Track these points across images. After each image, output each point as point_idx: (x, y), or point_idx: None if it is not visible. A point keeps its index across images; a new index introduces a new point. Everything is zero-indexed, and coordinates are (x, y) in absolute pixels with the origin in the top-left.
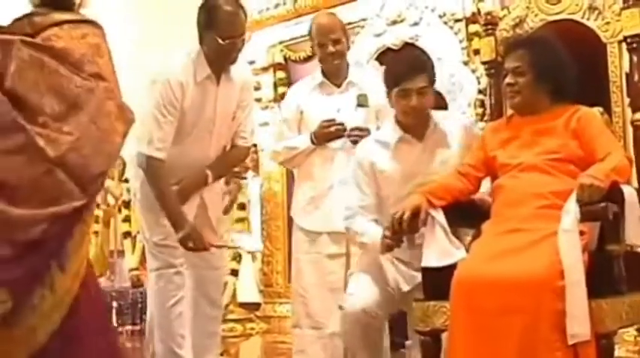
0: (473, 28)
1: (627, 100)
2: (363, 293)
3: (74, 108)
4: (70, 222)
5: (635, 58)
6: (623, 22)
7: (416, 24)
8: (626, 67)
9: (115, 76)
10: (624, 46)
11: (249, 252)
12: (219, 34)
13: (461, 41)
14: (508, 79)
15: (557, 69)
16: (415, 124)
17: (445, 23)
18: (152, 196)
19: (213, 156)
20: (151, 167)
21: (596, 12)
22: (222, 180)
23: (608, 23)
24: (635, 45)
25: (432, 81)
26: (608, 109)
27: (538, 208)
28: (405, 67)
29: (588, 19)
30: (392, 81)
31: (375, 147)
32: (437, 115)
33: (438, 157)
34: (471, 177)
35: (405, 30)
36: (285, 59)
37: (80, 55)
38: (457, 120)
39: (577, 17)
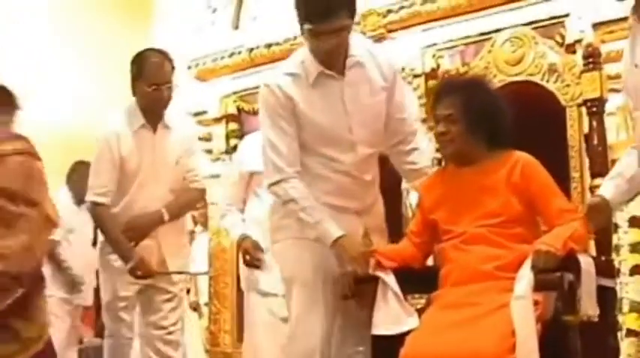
0: (433, 84)
1: (587, 165)
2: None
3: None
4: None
5: (594, 123)
6: (582, 86)
7: None
8: (585, 131)
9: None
10: (584, 109)
11: (194, 309)
12: (146, 82)
13: (419, 98)
14: (440, 128)
15: (491, 114)
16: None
17: (403, 79)
18: (106, 253)
19: (160, 203)
20: (93, 210)
21: (556, 74)
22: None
23: (567, 86)
24: (594, 109)
25: (352, 16)
26: (566, 174)
27: (486, 283)
28: (322, 3)
29: (548, 81)
30: (303, 14)
31: (288, 81)
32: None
33: (363, 95)
34: (419, 244)
35: None
36: (239, 110)
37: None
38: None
39: (537, 79)
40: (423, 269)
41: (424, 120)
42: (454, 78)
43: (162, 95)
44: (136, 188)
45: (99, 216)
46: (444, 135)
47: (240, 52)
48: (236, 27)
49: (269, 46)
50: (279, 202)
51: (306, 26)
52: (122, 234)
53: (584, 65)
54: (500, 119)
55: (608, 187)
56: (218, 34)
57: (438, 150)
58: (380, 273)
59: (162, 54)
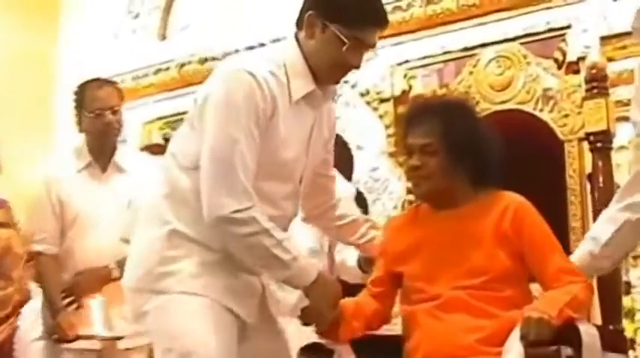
0: (403, 110)
1: (590, 213)
2: None
3: None
4: None
5: (599, 160)
6: (585, 116)
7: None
8: (588, 171)
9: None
10: (586, 144)
11: None
12: (88, 109)
13: (387, 127)
14: (413, 161)
15: (477, 145)
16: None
17: (368, 103)
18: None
19: (108, 254)
20: (33, 259)
21: (552, 102)
22: None
23: (566, 116)
24: (599, 143)
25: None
26: (564, 224)
27: None
28: (383, 8)
29: (542, 110)
30: (354, 15)
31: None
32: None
33: (322, 135)
34: (380, 295)
35: None
36: (166, 140)
37: None
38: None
39: (528, 108)
40: (387, 337)
41: (392, 154)
42: (431, 99)
43: (106, 121)
44: (74, 235)
45: (37, 266)
46: (419, 170)
47: (167, 68)
48: (163, 37)
49: (203, 60)
50: (210, 236)
51: (352, 32)
52: (62, 291)
53: (587, 90)
54: (488, 151)
55: (579, 252)
56: (140, 45)
57: (410, 191)
58: (335, 347)
59: (105, 80)
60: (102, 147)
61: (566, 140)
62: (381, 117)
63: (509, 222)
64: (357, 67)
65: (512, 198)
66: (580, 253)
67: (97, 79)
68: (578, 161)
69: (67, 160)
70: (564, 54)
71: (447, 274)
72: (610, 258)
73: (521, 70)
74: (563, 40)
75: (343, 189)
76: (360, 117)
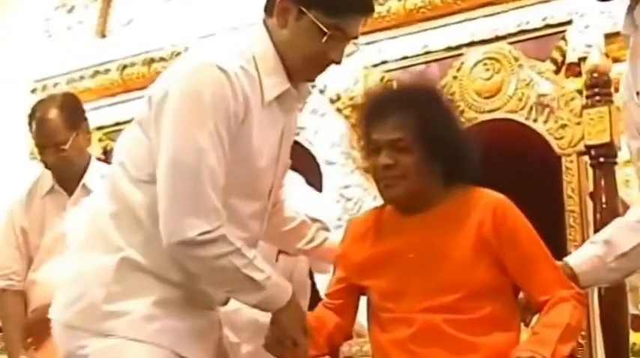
0: (365, 96)
1: (592, 236)
2: None
3: None
4: None
5: (602, 177)
6: (585, 126)
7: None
8: (589, 189)
9: None
10: (587, 159)
11: None
12: (33, 139)
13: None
14: (383, 159)
15: (454, 138)
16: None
17: (339, 111)
18: None
19: None
20: None
21: (547, 110)
22: None
23: (564, 127)
24: (602, 158)
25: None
26: (562, 248)
27: None
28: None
29: (535, 120)
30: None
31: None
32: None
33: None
34: (339, 308)
35: None
36: (106, 152)
37: None
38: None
39: (520, 117)
40: None
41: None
42: (397, 88)
43: (51, 159)
44: (36, 267)
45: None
46: (392, 169)
47: (107, 70)
48: (102, 34)
49: (149, 61)
50: (167, 261)
51: (332, 20)
52: (22, 330)
53: (588, 97)
54: (465, 145)
55: (583, 254)
56: (76, 44)
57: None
58: None
59: (51, 102)
60: (62, 177)
61: (563, 154)
62: (354, 126)
63: (490, 226)
64: (338, 62)
65: (491, 197)
66: (585, 256)
67: (44, 104)
68: (577, 178)
69: (33, 183)
70: (564, 54)
71: (417, 291)
72: (623, 272)
73: (512, 73)
74: (563, 39)
75: (323, 213)
76: (330, 127)
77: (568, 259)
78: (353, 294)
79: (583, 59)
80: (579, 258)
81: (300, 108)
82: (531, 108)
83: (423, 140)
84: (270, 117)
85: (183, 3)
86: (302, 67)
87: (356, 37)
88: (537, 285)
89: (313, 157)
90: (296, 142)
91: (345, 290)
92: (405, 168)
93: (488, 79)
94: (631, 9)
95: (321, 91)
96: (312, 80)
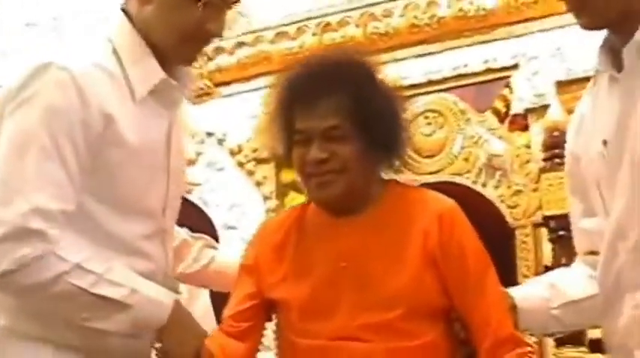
0: (289, 175)
1: None
2: None
3: None
4: None
5: (562, 255)
6: (542, 194)
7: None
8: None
9: None
10: (544, 231)
11: None
12: None
13: (267, 198)
14: (316, 152)
15: (395, 123)
16: None
17: (240, 165)
18: None
19: None
20: None
21: (498, 174)
22: None
23: (518, 193)
24: (562, 231)
25: None
26: None
27: None
28: None
29: (485, 184)
30: None
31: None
32: None
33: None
34: (247, 336)
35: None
36: None
37: None
38: None
39: (467, 181)
40: None
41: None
42: (324, 65)
43: None
44: None
45: None
46: (328, 163)
47: None
48: None
49: None
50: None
51: None
52: None
53: (546, 159)
54: (401, 132)
55: (527, 291)
56: None
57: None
58: None
59: None
60: None
61: (517, 226)
62: (258, 184)
63: (436, 237)
64: (219, 34)
65: (437, 203)
66: (529, 293)
67: None
68: (534, 253)
69: None
70: (507, 104)
71: (349, 307)
72: (566, 324)
73: (457, 128)
74: (507, 86)
75: None
76: (231, 184)
77: (512, 291)
78: (262, 315)
79: (531, 110)
80: (523, 293)
81: (185, 98)
82: (480, 171)
83: (362, 126)
84: (148, 117)
85: None
86: (177, 47)
87: (235, 2)
88: (479, 325)
89: (209, 220)
90: (187, 201)
91: (253, 310)
92: (344, 161)
93: (430, 134)
94: (608, 43)
95: (220, 141)
96: (192, 61)
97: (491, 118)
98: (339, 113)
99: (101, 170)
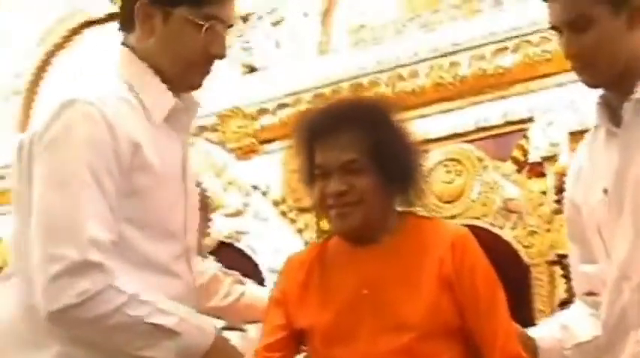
0: (326, 223)
1: None
2: None
3: None
4: None
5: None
6: (555, 234)
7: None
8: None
9: None
10: (558, 269)
11: None
12: None
13: (308, 244)
14: (336, 185)
15: (408, 159)
16: None
17: (283, 214)
18: None
19: None
20: None
21: (514, 216)
22: None
23: (533, 234)
24: None
25: None
26: None
27: None
28: None
29: (502, 226)
30: None
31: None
32: None
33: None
34: None
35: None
36: None
37: None
38: None
39: (485, 224)
40: None
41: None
42: (343, 105)
43: None
44: None
45: None
46: (345, 196)
47: None
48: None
49: None
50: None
51: (205, 10)
52: None
53: (557, 201)
54: (416, 169)
55: (544, 331)
56: None
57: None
58: None
59: None
60: None
61: (532, 264)
62: (300, 231)
63: (450, 263)
64: (223, 56)
65: (450, 231)
66: (546, 333)
67: None
68: (548, 288)
69: None
70: (525, 153)
71: (371, 331)
72: None
73: (475, 176)
74: (524, 137)
75: None
76: (274, 232)
77: (531, 332)
78: (292, 346)
79: (547, 159)
80: (541, 333)
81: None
82: (497, 214)
83: (379, 160)
84: (165, 141)
85: None
86: (184, 73)
87: (231, 25)
88: (487, 334)
89: (256, 265)
90: (236, 248)
91: (285, 340)
92: (361, 193)
93: (450, 182)
94: (604, 100)
95: (264, 193)
96: (198, 87)
97: (505, 165)
98: (357, 147)
99: (133, 196)
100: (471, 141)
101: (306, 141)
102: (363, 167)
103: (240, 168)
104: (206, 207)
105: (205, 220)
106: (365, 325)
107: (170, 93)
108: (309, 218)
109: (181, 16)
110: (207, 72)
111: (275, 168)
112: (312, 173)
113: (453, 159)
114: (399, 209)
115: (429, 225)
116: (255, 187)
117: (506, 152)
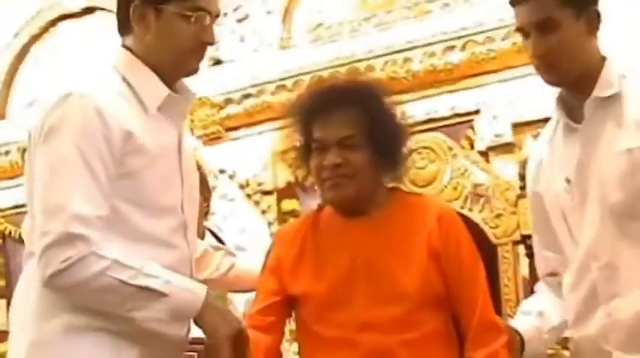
0: (288, 204)
1: None
2: None
3: None
4: None
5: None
6: (520, 216)
7: None
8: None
9: None
10: (522, 248)
11: None
12: None
13: (270, 224)
14: (332, 157)
15: (400, 137)
16: None
17: (248, 196)
18: None
19: None
20: None
21: (482, 200)
22: None
23: (499, 216)
24: None
25: None
26: None
27: None
28: None
29: (471, 209)
30: None
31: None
32: None
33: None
34: (271, 330)
35: None
36: (3, 236)
37: None
38: None
39: (455, 206)
40: None
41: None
42: (340, 85)
43: None
44: None
45: None
46: (341, 168)
47: (8, 152)
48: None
49: None
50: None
51: (193, 2)
52: None
53: (521, 188)
54: (403, 144)
55: (523, 323)
56: None
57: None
58: None
59: None
60: None
61: (499, 243)
62: (263, 212)
63: (437, 235)
64: (213, 42)
65: (437, 206)
66: (525, 325)
67: None
68: (513, 266)
69: None
70: (472, 143)
71: (364, 299)
72: (548, 345)
73: (447, 162)
74: (471, 128)
75: None
76: (240, 212)
77: (514, 324)
78: (285, 310)
79: (492, 148)
80: (524, 325)
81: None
82: (467, 198)
83: (373, 137)
84: (160, 127)
85: None
86: (180, 61)
87: (218, 15)
88: (467, 302)
89: (222, 243)
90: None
91: (277, 305)
92: (356, 167)
93: (423, 167)
94: (562, 98)
95: (231, 176)
96: (196, 71)
97: (474, 154)
98: (354, 124)
99: (127, 177)
100: (422, 132)
101: (306, 118)
102: (358, 143)
103: (207, 153)
104: (204, 187)
105: (204, 200)
106: (360, 292)
107: (163, 86)
108: (272, 200)
109: (171, 11)
110: (202, 57)
111: (240, 153)
112: (309, 147)
113: (426, 147)
114: (388, 185)
115: (416, 201)
116: (222, 171)
117: (455, 142)
